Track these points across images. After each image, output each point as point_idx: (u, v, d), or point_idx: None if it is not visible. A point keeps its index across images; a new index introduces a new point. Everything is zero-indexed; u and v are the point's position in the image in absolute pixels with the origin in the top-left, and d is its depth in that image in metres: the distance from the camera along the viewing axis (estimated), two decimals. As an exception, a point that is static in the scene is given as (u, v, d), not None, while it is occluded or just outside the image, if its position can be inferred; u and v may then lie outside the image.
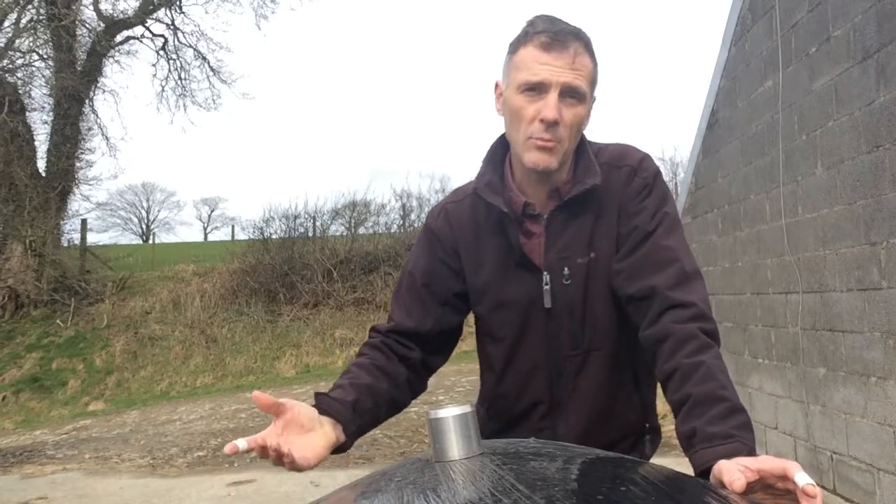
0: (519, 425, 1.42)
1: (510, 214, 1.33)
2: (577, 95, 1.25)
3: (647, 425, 1.45)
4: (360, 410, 1.25)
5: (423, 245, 1.45)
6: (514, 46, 1.29)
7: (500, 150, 1.40)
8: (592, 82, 1.28)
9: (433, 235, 1.43)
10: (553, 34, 1.24)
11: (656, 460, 1.06)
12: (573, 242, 1.33)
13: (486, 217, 1.37)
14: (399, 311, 1.43)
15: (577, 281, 1.32)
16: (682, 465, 0.99)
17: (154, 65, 19.16)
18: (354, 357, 1.41)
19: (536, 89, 1.24)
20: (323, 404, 1.22)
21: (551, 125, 1.23)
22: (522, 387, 1.40)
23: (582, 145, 1.35)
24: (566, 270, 1.32)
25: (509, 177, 1.37)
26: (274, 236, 15.07)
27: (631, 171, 1.33)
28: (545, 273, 1.33)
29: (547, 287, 1.33)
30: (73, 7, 14.60)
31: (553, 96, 1.23)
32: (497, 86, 1.36)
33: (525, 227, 1.35)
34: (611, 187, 1.32)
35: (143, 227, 38.86)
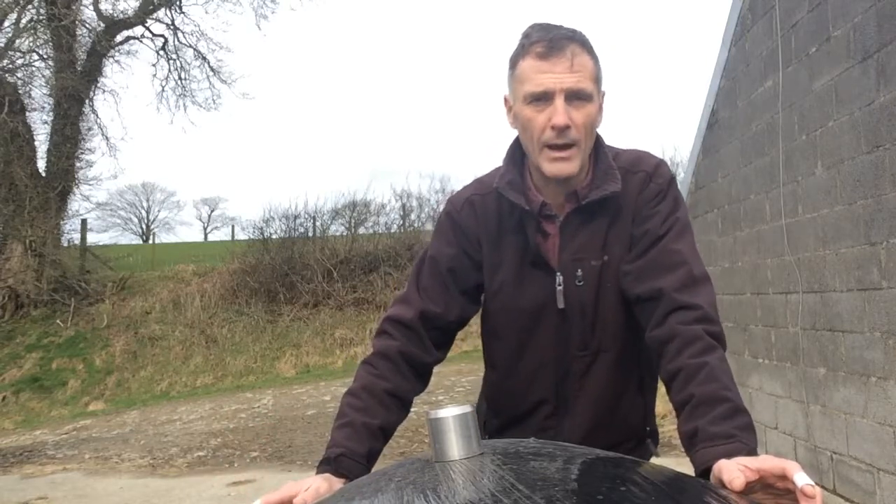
0: (524, 423, 1.42)
1: (531, 212, 1.33)
2: (583, 96, 1.25)
3: (648, 428, 1.47)
4: (372, 457, 1.25)
5: (445, 233, 1.42)
6: (514, 60, 1.30)
7: (520, 149, 1.40)
8: (596, 79, 1.29)
9: (457, 226, 1.41)
10: (548, 42, 1.24)
11: (657, 460, 1.07)
12: (587, 245, 1.33)
13: (510, 214, 1.37)
14: (421, 295, 1.39)
15: (590, 283, 1.33)
16: (682, 465, 0.99)
17: (154, 65, 19.20)
18: (364, 363, 1.36)
19: (542, 99, 1.25)
20: (342, 468, 1.20)
21: (563, 130, 1.24)
22: (528, 385, 1.40)
23: (600, 148, 1.36)
24: (579, 272, 1.33)
25: (528, 176, 1.38)
26: (274, 236, 15.08)
27: (646, 176, 1.34)
28: (558, 274, 1.34)
29: (560, 288, 1.33)
30: (73, 7, 14.61)
31: (559, 102, 1.24)
32: (506, 101, 1.36)
33: (542, 227, 1.35)
34: (626, 192, 1.32)
35: (143, 227, 38.87)
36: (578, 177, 1.32)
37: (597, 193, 1.31)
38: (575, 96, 1.24)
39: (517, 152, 1.40)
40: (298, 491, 1.10)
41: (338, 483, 1.17)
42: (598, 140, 1.36)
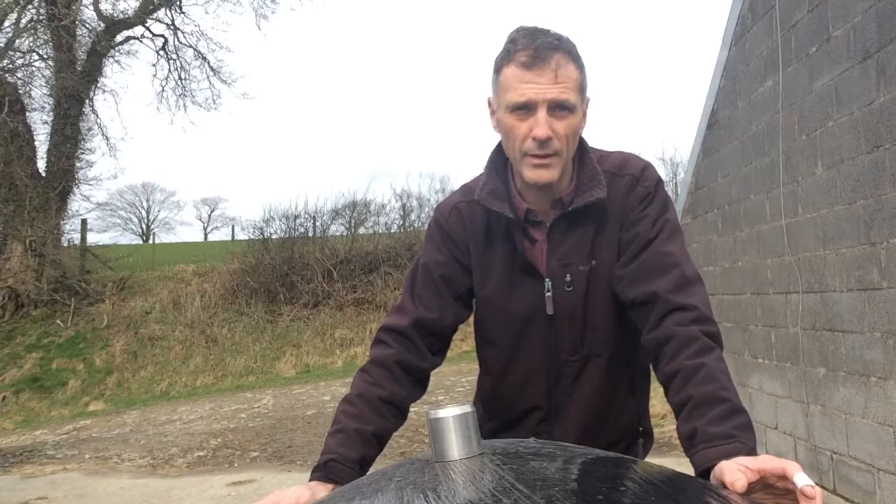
0: (517, 427, 1.42)
1: (515, 220, 1.34)
2: (566, 107, 1.25)
3: (641, 429, 1.47)
4: (365, 463, 1.25)
5: (435, 241, 1.43)
6: (498, 66, 1.29)
7: (501, 156, 1.40)
8: (580, 89, 1.28)
9: (445, 233, 1.42)
10: (534, 51, 1.23)
11: (657, 461, 1.06)
12: (575, 250, 1.33)
13: (497, 222, 1.37)
14: (416, 303, 1.40)
15: (579, 288, 1.33)
16: (682, 465, 0.99)
17: (154, 65, 19.17)
18: (360, 371, 1.36)
19: (524, 108, 1.24)
20: (332, 473, 1.20)
21: (544, 142, 1.24)
22: (520, 391, 1.41)
23: (585, 153, 1.35)
24: (568, 277, 1.33)
25: (512, 183, 1.37)
26: (274, 236, 15.09)
27: (633, 180, 1.33)
28: (548, 280, 1.34)
29: (549, 294, 1.34)
30: (73, 7, 14.60)
31: (542, 113, 1.23)
32: (489, 103, 1.36)
33: (529, 233, 1.35)
34: (613, 196, 1.32)
35: (143, 227, 38.87)
36: (562, 183, 1.32)
37: (582, 200, 1.31)
38: (558, 107, 1.24)
39: (499, 159, 1.40)
40: (281, 500, 1.11)
41: (324, 490, 1.17)
42: (583, 144, 1.36)
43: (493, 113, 1.34)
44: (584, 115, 1.31)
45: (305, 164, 77.91)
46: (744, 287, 4.85)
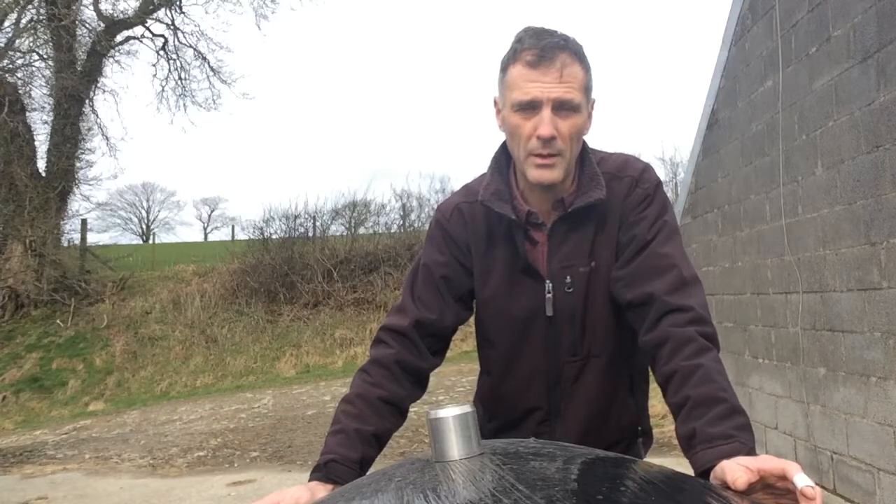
0: (517, 428, 1.43)
1: (517, 222, 1.34)
2: (571, 107, 1.25)
3: (640, 428, 1.47)
4: (365, 463, 1.25)
5: (436, 241, 1.43)
6: (504, 65, 1.30)
7: (504, 157, 1.40)
8: (586, 90, 1.28)
9: (446, 233, 1.42)
10: (539, 50, 1.24)
11: (657, 461, 1.07)
12: (575, 251, 1.34)
13: (498, 223, 1.38)
14: (416, 303, 1.40)
15: (579, 289, 1.34)
16: (682, 465, 0.99)
17: (154, 65, 19.18)
18: (360, 371, 1.36)
19: (529, 107, 1.25)
20: (332, 474, 1.20)
21: (548, 141, 1.24)
22: (521, 392, 1.41)
23: (585, 154, 1.36)
24: (568, 279, 1.34)
25: (514, 185, 1.38)
26: (274, 236, 15.10)
27: (632, 181, 1.34)
28: (548, 281, 1.34)
29: (549, 295, 1.34)
30: (73, 7, 14.60)
31: (546, 112, 1.24)
32: (495, 102, 1.37)
33: (530, 235, 1.36)
34: (612, 197, 1.33)
35: (143, 227, 38.89)
36: (564, 184, 1.32)
37: (582, 200, 1.31)
38: (562, 107, 1.24)
39: (502, 160, 1.40)
40: (281, 500, 1.11)
41: (323, 490, 1.17)
42: (583, 145, 1.36)
43: (498, 112, 1.35)
44: (590, 116, 1.31)
45: (305, 164, 77.95)
46: (744, 287, 4.85)
